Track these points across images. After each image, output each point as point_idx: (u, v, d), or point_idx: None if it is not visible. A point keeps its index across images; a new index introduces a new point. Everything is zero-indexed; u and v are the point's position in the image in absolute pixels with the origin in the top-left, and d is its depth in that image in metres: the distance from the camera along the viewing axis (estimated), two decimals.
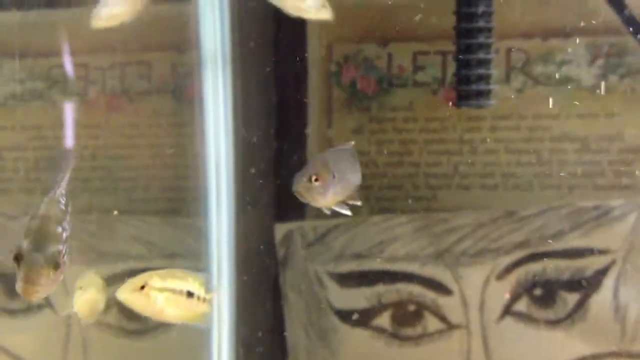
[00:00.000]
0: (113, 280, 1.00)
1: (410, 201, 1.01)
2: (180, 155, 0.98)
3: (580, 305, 0.91)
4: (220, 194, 0.89)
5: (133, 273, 0.98)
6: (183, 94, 0.98)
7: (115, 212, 1.00)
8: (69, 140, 1.02)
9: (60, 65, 1.07)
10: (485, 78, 0.72)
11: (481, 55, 0.69)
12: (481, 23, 0.69)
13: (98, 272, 0.98)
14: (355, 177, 0.74)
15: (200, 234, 0.90)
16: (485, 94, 0.72)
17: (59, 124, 1.07)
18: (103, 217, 1.03)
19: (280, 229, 0.98)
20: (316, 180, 0.68)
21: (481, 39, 0.69)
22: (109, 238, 1.02)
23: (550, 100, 0.97)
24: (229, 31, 0.89)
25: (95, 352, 1.03)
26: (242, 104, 0.94)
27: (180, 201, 0.98)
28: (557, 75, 0.97)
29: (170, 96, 1.03)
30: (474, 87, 0.71)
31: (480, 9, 0.68)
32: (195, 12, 0.87)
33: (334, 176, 0.69)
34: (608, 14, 0.92)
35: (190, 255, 0.94)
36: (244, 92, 0.95)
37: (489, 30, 0.71)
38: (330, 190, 0.70)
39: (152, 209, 1.02)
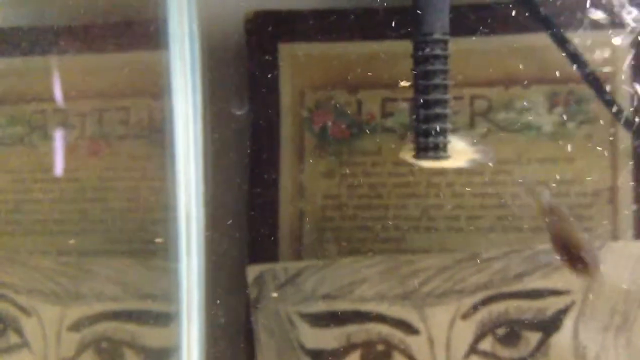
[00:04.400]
0: (89, 321, 1.05)
1: (379, 243, 1.06)
2: (155, 199, 1.04)
3: (542, 344, 0.96)
4: (190, 238, 0.95)
5: (106, 315, 1.03)
6: (159, 139, 1.04)
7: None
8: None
9: (41, 111, 1.13)
10: (442, 132, 0.79)
11: (438, 110, 0.76)
12: (437, 80, 0.76)
13: (74, 313, 1.03)
14: None
15: (174, 277, 0.96)
16: (442, 147, 0.79)
17: (38, 168, 1.12)
18: (80, 259, 1.08)
19: (252, 271, 1.04)
20: None
21: (437, 95, 0.76)
22: (86, 279, 1.07)
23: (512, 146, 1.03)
24: (200, 80, 0.95)
25: None
26: (214, 152, 1.00)
27: (155, 244, 1.03)
28: (518, 122, 1.04)
29: (146, 141, 1.09)
30: (432, 140, 0.77)
31: (436, 66, 0.75)
32: (167, 60, 0.93)
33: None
34: (566, 64, 0.99)
35: (163, 297, 0.99)
36: (216, 140, 1.01)
37: (445, 87, 0.77)
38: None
39: (128, 250, 1.07)
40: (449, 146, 0.84)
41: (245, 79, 1.10)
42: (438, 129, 0.79)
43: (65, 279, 1.08)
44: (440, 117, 0.79)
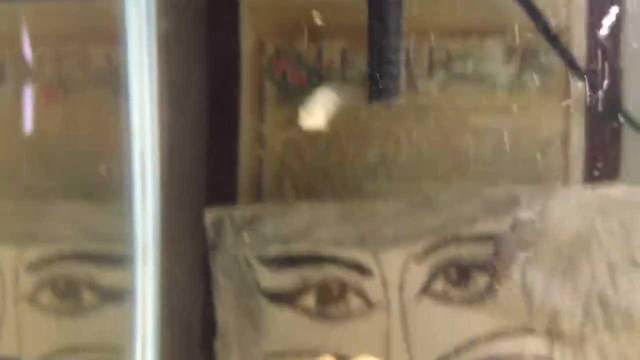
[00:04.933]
0: (44, 263, 1.06)
1: (337, 190, 1.08)
2: (114, 143, 1.04)
3: (491, 286, 0.99)
4: (145, 181, 0.95)
5: (64, 255, 1.03)
6: (117, 85, 1.04)
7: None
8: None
9: None
10: (395, 77, 0.80)
11: (391, 55, 0.77)
12: (391, 26, 0.77)
13: (31, 253, 1.04)
14: None
15: (129, 219, 0.96)
16: (395, 92, 0.81)
17: None
18: (37, 202, 1.09)
19: (210, 214, 1.05)
20: None
21: (391, 40, 0.77)
22: (42, 221, 1.08)
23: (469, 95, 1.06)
24: (156, 26, 0.95)
25: (30, 332, 1.07)
26: (171, 94, 1.00)
27: (111, 187, 1.04)
28: (475, 73, 1.06)
29: (105, 87, 1.09)
30: (385, 85, 0.79)
31: (390, 11, 0.76)
32: (123, 5, 0.93)
33: None
34: (522, 16, 1.01)
35: (119, 239, 1.00)
36: (173, 81, 1.01)
37: (399, 32, 0.79)
38: None
39: (85, 194, 1.08)
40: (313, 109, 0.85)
41: (204, 26, 1.11)
42: (391, 73, 0.81)
43: (22, 221, 1.09)
44: (394, 62, 0.80)
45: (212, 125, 1.12)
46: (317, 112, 0.85)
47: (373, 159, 1.09)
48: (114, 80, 1.05)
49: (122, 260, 1.02)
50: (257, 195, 1.12)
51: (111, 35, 1.00)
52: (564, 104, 1.05)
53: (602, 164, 1.03)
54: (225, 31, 1.11)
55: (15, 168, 1.12)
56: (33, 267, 1.08)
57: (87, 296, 1.07)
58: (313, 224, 1.05)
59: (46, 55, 1.13)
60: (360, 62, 1.11)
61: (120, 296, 1.04)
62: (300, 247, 1.04)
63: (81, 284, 1.07)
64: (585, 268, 0.98)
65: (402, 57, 0.88)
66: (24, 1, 1.13)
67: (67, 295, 1.07)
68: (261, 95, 1.12)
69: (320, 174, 1.10)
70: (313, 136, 1.12)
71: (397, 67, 0.86)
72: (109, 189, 1.07)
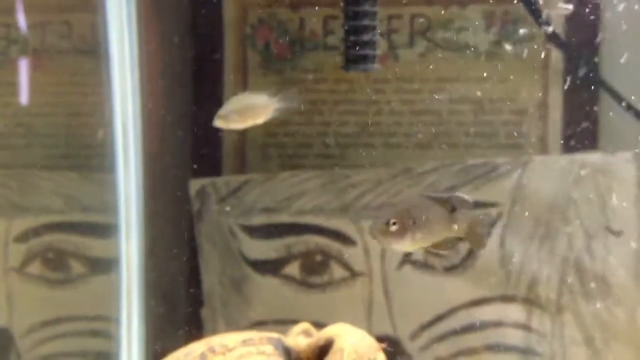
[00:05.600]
0: (34, 233, 1.07)
1: (320, 159, 1.09)
2: (98, 113, 1.05)
3: (471, 252, 1.01)
4: (127, 152, 0.96)
5: (52, 226, 1.04)
6: (99, 54, 1.04)
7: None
8: None
9: None
10: (370, 44, 0.80)
11: (366, 22, 0.78)
12: None
13: (19, 225, 1.05)
14: (443, 230, 0.72)
15: (113, 189, 0.97)
16: (371, 58, 0.81)
17: None
18: (24, 173, 1.09)
19: (195, 185, 1.06)
20: (394, 224, 0.68)
21: (366, 7, 0.78)
22: (30, 193, 1.09)
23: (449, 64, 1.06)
24: None
25: (20, 303, 1.09)
26: (153, 62, 1.00)
27: (97, 157, 1.04)
28: (456, 41, 1.06)
29: (88, 56, 1.09)
30: (360, 52, 0.79)
31: None
32: None
33: (414, 222, 0.69)
34: None
35: (105, 209, 1.01)
36: (155, 50, 1.01)
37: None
38: (407, 237, 0.70)
39: (70, 164, 1.08)
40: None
41: None
42: (367, 40, 0.81)
43: (10, 192, 1.09)
44: (369, 29, 0.80)
45: (196, 95, 1.12)
46: (233, 115, 0.86)
47: (355, 128, 1.10)
48: (96, 50, 1.05)
49: (108, 230, 1.04)
50: (241, 165, 1.13)
51: (93, 3, 1.00)
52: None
53: (580, 132, 1.04)
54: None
55: (1, 138, 1.12)
56: (22, 238, 1.09)
57: (75, 266, 1.08)
58: (296, 194, 1.06)
59: (30, 24, 1.12)
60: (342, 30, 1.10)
61: (107, 266, 1.05)
62: (283, 217, 1.05)
63: (69, 254, 1.08)
64: (562, 235, 1.00)
65: (378, 24, 0.88)
66: None
67: (56, 265, 1.08)
68: (244, 64, 1.12)
69: (303, 143, 1.11)
70: (296, 106, 1.12)
71: (373, 34, 0.87)
72: (93, 158, 1.07)
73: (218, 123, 0.83)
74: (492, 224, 0.91)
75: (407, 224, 0.69)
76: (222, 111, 0.83)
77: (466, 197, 0.72)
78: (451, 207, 0.71)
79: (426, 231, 0.72)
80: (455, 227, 0.71)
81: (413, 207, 0.72)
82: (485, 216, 0.76)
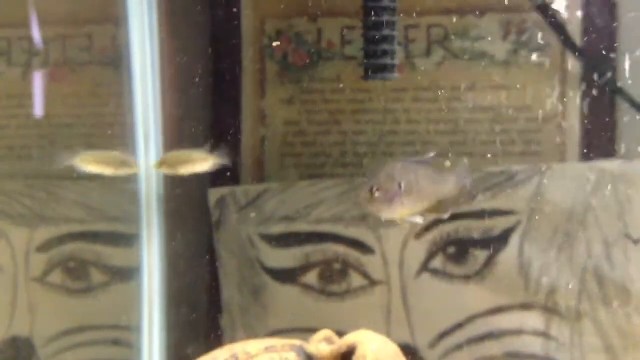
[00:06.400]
0: (56, 242, 1.07)
1: (338, 168, 1.09)
2: (119, 123, 1.05)
3: (490, 261, 1.00)
4: (148, 161, 0.96)
5: (73, 236, 1.05)
6: (120, 65, 1.05)
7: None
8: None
9: (5, 39, 1.13)
10: (390, 53, 0.81)
11: (386, 32, 0.78)
12: (385, 2, 0.78)
13: (42, 234, 1.05)
14: (432, 189, 0.70)
15: (134, 199, 0.98)
16: (390, 68, 0.81)
17: (3, 94, 1.13)
18: (46, 183, 1.10)
19: (214, 194, 1.06)
20: (377, 190, 0.67)
21: (385, 17, 0.78)
22: (52, 203, 1.09)
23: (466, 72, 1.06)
24: (157, 6, 0.96)
25: (41, 312, 1.09)
26: (174, 74, 1.01)
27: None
28: (473, 50, 1.06)
29: (109, 67, 1.10)
30: (380, 61, 0.79)
31: None
32: None
33: (400, 187, 0.68)
34: None
35: (126, 219, 1.01)
36: (175, 61, 1.02)
37: (393, 9, 0.79)
38: (395, 202, 0.68)
39: (92, 174, 1.09)
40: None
41: (206, 6, 1.11)
42: (386, 50, 0.81)
43: (33, 202, 1.10)
44: (388, 39, 0.80)
45: (215, 105, 1.12)
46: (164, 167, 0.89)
47: (372, 137, 1.10)
48: (117, 62, 1.06)
49: (129, 239, 1.04)
50: (260, 174, 1.13)
51: (114, 16, 1.00)
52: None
53: (598, 140, 1.03)
54: (226, 10, 1.11)
55: (23, 149, 1.13)
56: (44, 247, 1.10)
57: (96, 275, 1.09)
58: (314, 202, 1.06)
59: (52, 37, 1.13)
60: (360, 40, 1.10)
61: (128, 275, 1.05)
62: (302, 225, 1.05)
63: (90, 263, 1.09)
64: (581, 243, 0.99)
65: (397, 34, 0.89)
66: None
67: (77, 274, 1.09)
68: (263, 75, 1.13)
69: (321, 152, 1.11)
70: (314, 115, 1.12)
71: (392, 43, 0.87)
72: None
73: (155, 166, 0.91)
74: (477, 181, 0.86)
75: (393, 189, 0.66)
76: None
77: (440, 159, 0.70)
78: (435, 169, 0.69)
79: (416, 195, 0.69)
80: (445, 188, 0.69)
81: (398, 171, 0.68)
82: (468, 172, 0.73)
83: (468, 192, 0.71)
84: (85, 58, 1.11)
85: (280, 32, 1.11)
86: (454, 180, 0.71)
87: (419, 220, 0.74)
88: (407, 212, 0.69)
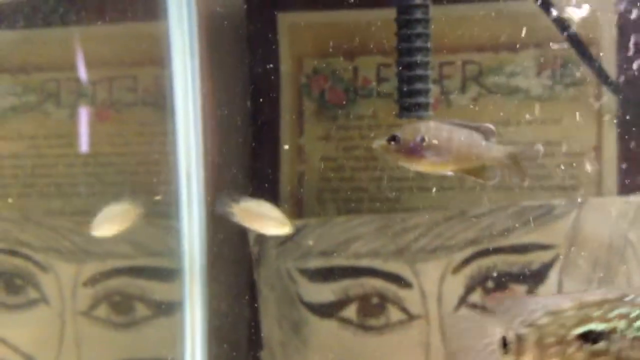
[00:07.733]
0: (102, 277, 1.09)
1: (375, 203, 1.09)
2: (162, 162, 1.07)
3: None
4: (191, 199, 0.98)
5: (119, 270, 1.07)
6: (164, 105, 1.07)
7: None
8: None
9: (54, 80, 1.16)
10: (424, 92, 0.81)
11: (420, 71, 0.79)
12: (419, 43, 0.79)
13: (88, 269, 1.08)
14: (466, 150, 0.68)
15: (178, 235, 0.99)
16: (424, 106, 0.82)
17: (52, 134, 1.16)
18: (92, 219, 1.12)
19: (253, 231, 1.07)
20: (394, 139, 0.66)
21: (419, 58, 0.79)
22: (98, 239, 1.11)
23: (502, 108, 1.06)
24: (199, 48, 0.98)
25: (87, 345, 1.11)
26: (214, 114, 1.03)
27: (162, 204, 1.07)
28: (507, 86, 1.06)
29: (153, 108, 1.13)
30: (414, 100, 0.80)
31: (418, 30, 0.78)
32: (167, 29, 0.96)
33: (422, 140, 0.68)
34: (552, 29, 1.01)
35: (169, 254, 1.03)
36: (216, 101, 1.04)
37: (427, 49, 0.80)
38: (415, 153, 0.68)
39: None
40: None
41: (244, 48, 1.13)
42: (420, 89, 0.82)
43: (80, 237, 1.12)
44: (422, 78, 0.81)
45: (254, 144, 1.14)
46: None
47: (409, 172, 1.10)
48: (160, 102, 1.09)
49: (172, 274, 1.06)
50: (298, 209, 1.14)
51: (159, 58, 1.03)
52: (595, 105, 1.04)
53: (635, 173, 1.02)
54: (264, 51, 1.13)
55: (70, 187, 1.16)
56: (90, 282, 1.12)
57: (140, 309, 1.10)
58: (352, 237, 1.06)
59: (98, 78, 1.16)
60: (395, 77, 1.11)
61: (171, 309, 1.07)
62: (340, 260, 1.06)
63: (134, 297, 1.10)
64: (620, 277, 0.97)
65: (431, 72, 0.89)
66: (77, 26, 1.17)
67: (121, 308, 1.10)
68: (301, 113, 1.14)
69: (358, 188, 1.11)
70: (350, 151, 1.13)
71: (426, 82, 0.88)
72: (159, 206, 1.10)
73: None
74: (536, 156, 0.84)
75: (413, 141, 0.63)
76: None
77: (492, 126, 0.69)
78: (478, 133, 0.68)
79: (444, 151, 0.68)
80: (487, 152, 0.68)
81: (425, 127, 0.68)
82: (528, 148, 0.71)
83: (518, 164, 0.69)
84: (130, 98, 1.14)
85: (316, 71, 1.12)
86: (499, 148, 0.69)
87: (449, 173, 0.71)
88: (430, 166, 0.68)
